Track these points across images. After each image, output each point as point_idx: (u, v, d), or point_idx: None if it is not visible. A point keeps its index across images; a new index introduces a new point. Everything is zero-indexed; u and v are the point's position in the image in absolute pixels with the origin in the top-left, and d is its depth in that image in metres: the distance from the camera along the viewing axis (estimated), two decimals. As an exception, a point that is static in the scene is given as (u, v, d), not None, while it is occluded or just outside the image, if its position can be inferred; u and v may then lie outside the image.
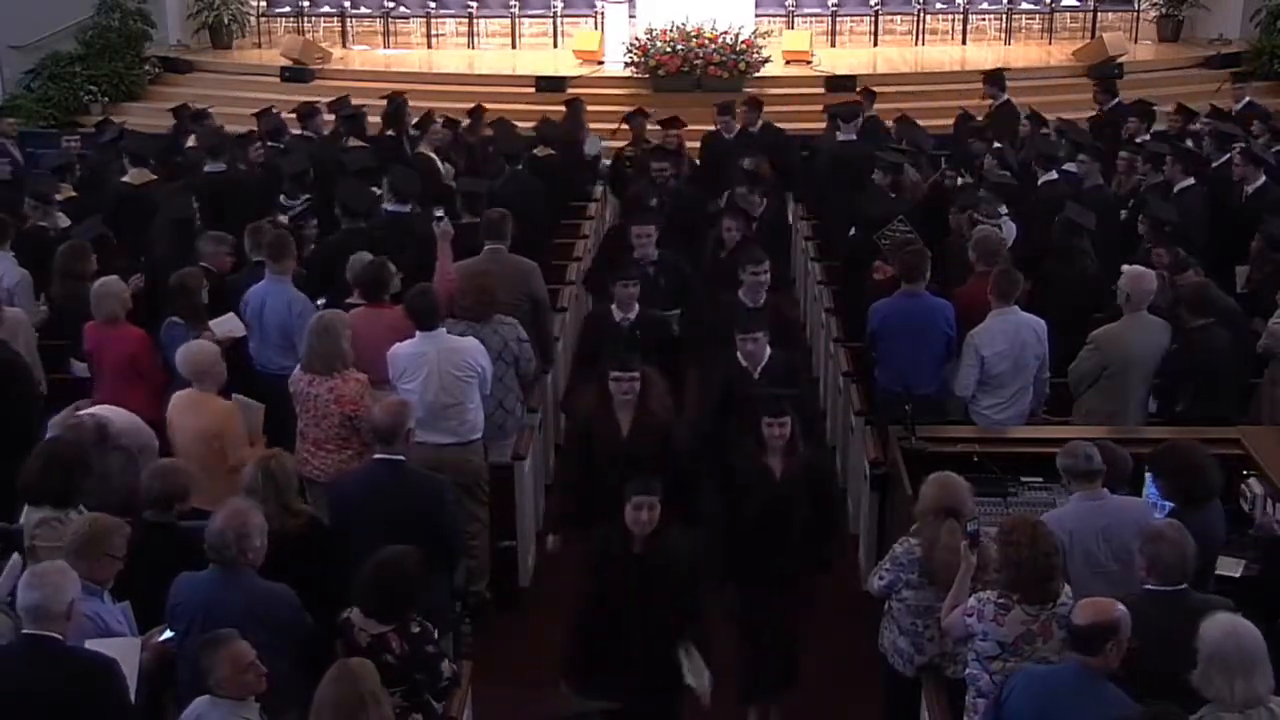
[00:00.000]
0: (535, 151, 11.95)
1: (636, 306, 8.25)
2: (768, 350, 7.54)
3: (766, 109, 13.33)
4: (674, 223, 9.82)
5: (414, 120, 13.04)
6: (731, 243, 9.24)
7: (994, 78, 13.93)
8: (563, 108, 13.74)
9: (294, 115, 13.06)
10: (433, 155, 12.00)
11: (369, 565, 5.45)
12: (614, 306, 8.27)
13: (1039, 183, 10.47)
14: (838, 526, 7.17)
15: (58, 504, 5.99)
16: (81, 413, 6.83)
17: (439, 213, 9.48)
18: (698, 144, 12.93)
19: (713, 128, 12.82)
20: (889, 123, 13.01)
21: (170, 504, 5.92)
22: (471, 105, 13.84)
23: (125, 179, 11.01)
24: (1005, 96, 13.66)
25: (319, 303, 8.30)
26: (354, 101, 13.67)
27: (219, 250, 8.78)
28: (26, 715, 4.84)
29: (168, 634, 5.49)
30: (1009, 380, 7.84)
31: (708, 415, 7.72)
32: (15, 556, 5.81)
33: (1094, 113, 13.61)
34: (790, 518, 6.53)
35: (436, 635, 5.61)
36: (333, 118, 13.02)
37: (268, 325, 8.24)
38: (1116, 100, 13.54)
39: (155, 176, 11.05)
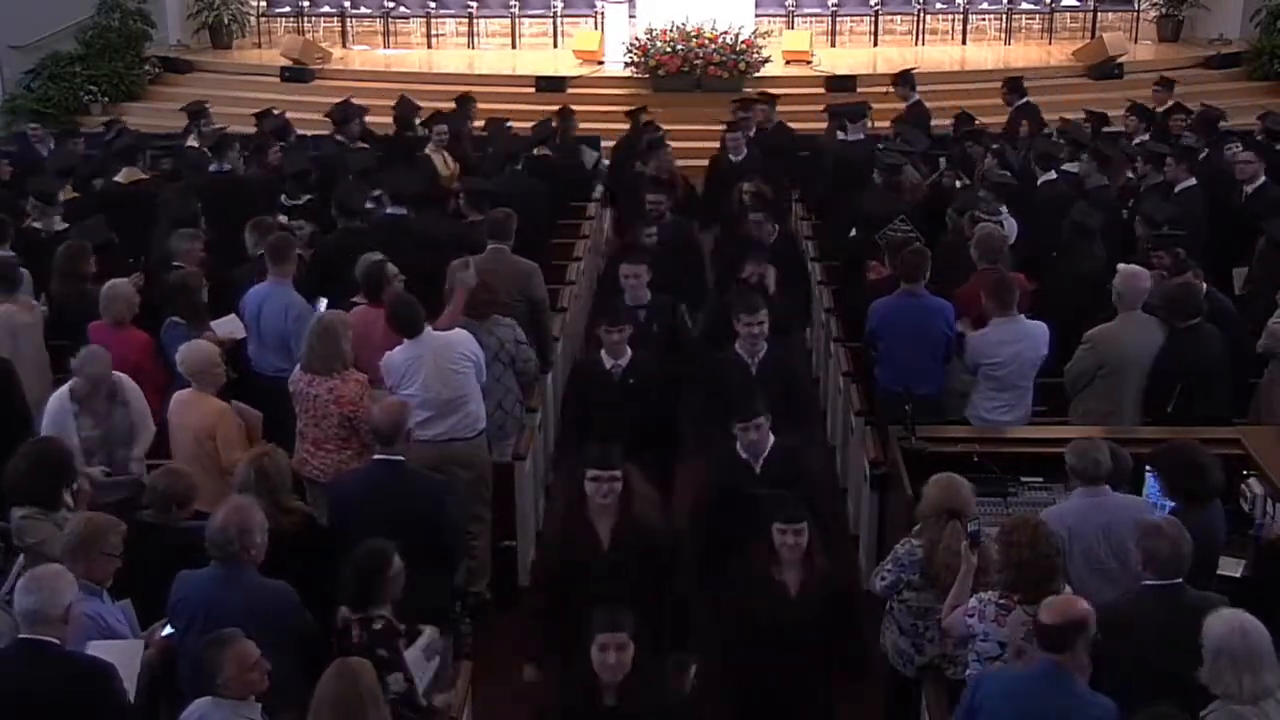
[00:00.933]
0: (534, 151, 11.96)
1: (628, 351, 7.62)
2: (771, 438, 6.55)
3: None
4: (665, 260, 8.86)
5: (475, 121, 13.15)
6: (759, 285, 8.30)
7: (904, 78, 14.03)
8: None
9: (328, 118, 13.04)
10: (434, 156, 12.00)
11: (352, 553, 5.46)
12: (603, 353, 7.68)
13: (1039, 183, 10.48)
14: (867, 658, 6.10)
15: (42, 505, 5.98)
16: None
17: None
18: (690, 143, 12.83)
19: (711, 128, 12.73)
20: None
21: (169, 506, 5.92)
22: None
23: (116, 178, 11.02)
24: (916, 96, 13.74)
25: (322, 301, 8.29)
26: (355, 102, 13.64)
27: (192, 247, 8.78)
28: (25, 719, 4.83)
29: (168, 630, 5.49)
30: (1009, 385, 7.82)
31: (702, 521, 6.66)
32: (21, 557, 5.81)
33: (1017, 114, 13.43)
34: (805, 645, 5.73)
35: (404, 645, 5.43)
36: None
37: (265, 329, 8.23)
38: (1025, 99, 13.56)
39: (145, 175, 11.05)
